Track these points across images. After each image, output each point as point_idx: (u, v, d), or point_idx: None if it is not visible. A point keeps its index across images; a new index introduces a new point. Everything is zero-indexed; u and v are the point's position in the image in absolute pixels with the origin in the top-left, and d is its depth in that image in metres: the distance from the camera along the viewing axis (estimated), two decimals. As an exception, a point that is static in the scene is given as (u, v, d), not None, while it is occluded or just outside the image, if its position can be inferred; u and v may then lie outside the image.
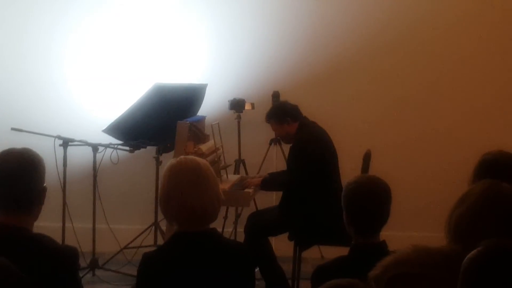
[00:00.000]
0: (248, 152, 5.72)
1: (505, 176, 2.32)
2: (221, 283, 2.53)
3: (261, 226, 4.77)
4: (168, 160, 2.75)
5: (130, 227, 5.64)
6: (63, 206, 5.10)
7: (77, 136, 5.17)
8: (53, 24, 5.91)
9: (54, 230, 4.06)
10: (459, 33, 5.90)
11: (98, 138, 5.25)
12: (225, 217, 5.50)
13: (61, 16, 5.90)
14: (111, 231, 5.32)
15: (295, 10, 5.91)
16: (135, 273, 2.61)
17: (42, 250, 2.33)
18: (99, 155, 5.17)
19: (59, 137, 5.06)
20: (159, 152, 5.37)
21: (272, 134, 5.38)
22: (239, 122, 5.63)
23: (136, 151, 5.19)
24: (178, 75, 5.80)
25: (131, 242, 5.40)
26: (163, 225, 5.20)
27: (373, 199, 2.67)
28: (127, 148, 5.15)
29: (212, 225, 2.61)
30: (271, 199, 5.53)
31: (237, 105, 5.61)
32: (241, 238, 4.88)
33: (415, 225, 5.70)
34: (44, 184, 2.46)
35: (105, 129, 5.24)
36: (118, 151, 5.18)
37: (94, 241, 5.25)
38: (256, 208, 5.43)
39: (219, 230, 2.81)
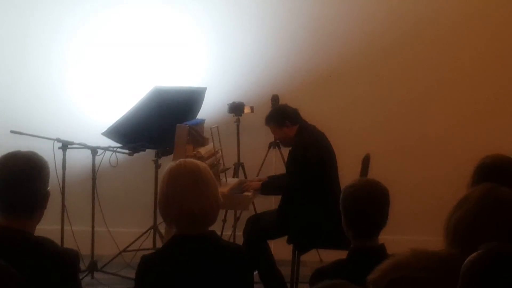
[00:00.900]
0: (247, 155, 5.72)
1: (504, 180, 2.32)
2: (219, 286, 2.53)
3: (260, 229, 4.77)
4: (167, 163, 2.75)
5: (129, 230, 5.64)
6: (62, 209, 5.10)
7: (76, 139, 5.17)
8: (53, 28, 5.91)
9: (53, 233, 3.99)
10: (458, 38, 5.91)
11: (97, 141, 5.26)
12: (224, 220, 5.49)
13: (62, 20, 5.90)
14: (110, 234, 5.33)
15: (295, 14, 5.91)
16: (133, 276, 2.61)
17: (44, 253, 2.34)
18: (98, 158, 5.17)
19: (58, 140, 5.06)
20: (158, 155, 5.36)
21: (271, 138, 5.39)
22: (238, 126, 5.63)
23: (135, 154, 5.19)
24: (178, 78, 5.80)
25: (130, 245, 5.40)
26: (162, 228, 5.20)
27: (371, 202, 2.67)
28: (126, 151, 5.14)
29: (211, 229, 2.61)
30: (270, 202, 5.53)
31: (236, 109, 5.61)
32: (240, 241, 4.87)
33: (413, 229, 5.71)
34: (48, 188, 2.46)
35: (104, 132, 5.24)
36: (117, 154, 5.18)
37: (93, 244, 5.25)
38: (255, 211, 5.43)
39: (218, 233, 2.81)
